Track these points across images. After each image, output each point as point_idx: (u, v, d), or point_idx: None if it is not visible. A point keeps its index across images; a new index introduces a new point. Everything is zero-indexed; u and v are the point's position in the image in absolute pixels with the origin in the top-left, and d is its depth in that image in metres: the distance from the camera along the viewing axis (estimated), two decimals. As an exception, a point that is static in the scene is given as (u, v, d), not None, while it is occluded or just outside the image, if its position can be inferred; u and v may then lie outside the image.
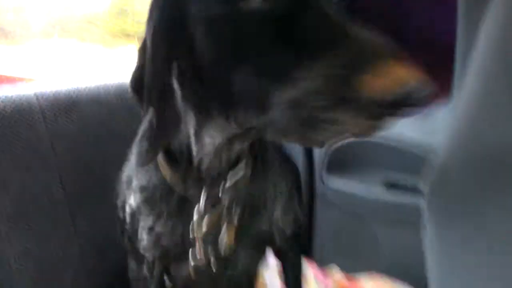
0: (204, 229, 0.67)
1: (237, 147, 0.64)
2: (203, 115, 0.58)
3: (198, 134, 0.61)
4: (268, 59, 0.45)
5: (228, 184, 0.67)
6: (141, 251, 0.75)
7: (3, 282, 0.83)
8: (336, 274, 1.19)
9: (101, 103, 0.94)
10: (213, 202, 0.67)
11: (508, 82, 0.54)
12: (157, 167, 0.68)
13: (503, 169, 0.54)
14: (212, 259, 0.71)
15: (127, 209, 0.74)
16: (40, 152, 0.86)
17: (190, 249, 0.70)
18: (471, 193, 0.57)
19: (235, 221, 0.70)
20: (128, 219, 0.75)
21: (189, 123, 0.60)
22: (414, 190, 1.10)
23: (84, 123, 0.92)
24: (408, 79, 0.41)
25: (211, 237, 0.69)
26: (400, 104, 0.41)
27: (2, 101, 0.83)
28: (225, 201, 0.68)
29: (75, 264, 0.94)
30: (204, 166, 0.64)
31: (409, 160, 1.11)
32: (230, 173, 0.66)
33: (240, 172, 0.67)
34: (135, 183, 0.72)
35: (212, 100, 0.53)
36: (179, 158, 0.65)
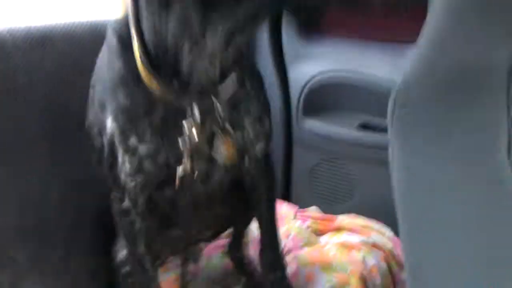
0: (195, 140, 0.67)
1: (230, 53, 0.63)
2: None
3: (193, 37, 0.59)
4: None
5: (221, 94, 0.67)
6: (123, 179, 0.73)
7: None
8: (314, 212, 1.23)
9: (75, 40, 0.94)
10: (204, 113, 0.67)
11: (471, 4, 0.56)
12: (136, 82, 0.65)
13: (463, 85, 0.56)
14: (196, 173, 0.71)
15: (105, 135, 0.71)
16: (17, 86, 0.85)
17: (179, 163, 0.69)
18: (433, 110, 0.59)
19: (230, 131, 0.70)
20: (106, 146, 0.72)
21: (180, 25, 0.59)
22: (387, 131, 1.14)
23: (59, 60, 0.91)
24: None
25: (200, 149, 0.69)
26: None
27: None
28: (218, 111, 0.67)
29: (56, 204, 0.95)
30: (198, 74, 0.64)
31: (382, 101, 1.14)
32: (221, 84, 0.67)
33: (230, 82, 0.68)
34: (113, 104, 0.69)
35: None
36: (164, 68, 0.64)
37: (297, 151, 1.31)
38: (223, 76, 0.67)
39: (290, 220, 1.18)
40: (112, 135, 0.70)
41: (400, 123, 0.61)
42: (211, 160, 0.72)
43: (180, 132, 0.67)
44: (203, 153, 0.70)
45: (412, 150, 0.61)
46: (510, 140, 0.52)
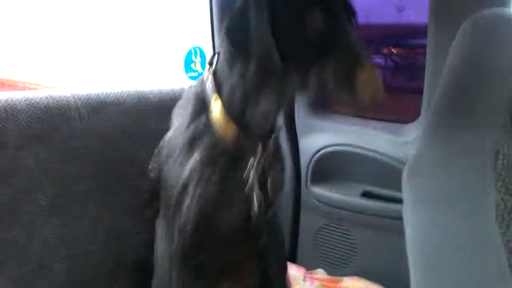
0: (259, 171, 0.85)
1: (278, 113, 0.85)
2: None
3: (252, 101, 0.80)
4: None
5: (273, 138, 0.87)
6: (181, 222, 0.85)
7: (44, 262, 0.96)
8: (321, 275, 1.32)
9: (125, 107, 1.07)
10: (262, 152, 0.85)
11: (461, 106, 0.74)
12: (208, 127, 0.83)
13: (460, 164, 0.71)
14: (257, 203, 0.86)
15: (184, 176, 0.83)
16: (74, 146, 0.97)
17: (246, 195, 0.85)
18: (437, 180, 0.73)
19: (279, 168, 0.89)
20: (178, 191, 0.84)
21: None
22: (387, 198, 1.27)
23: (109, 126, 1.04)
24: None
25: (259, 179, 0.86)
26: None
27: (46, 98, 0.95)
28: (271, 151, 0.86)
29: (100, 248, 1.05)
30: (255, 125, 0.82)
31: (382, 173, 1.28)
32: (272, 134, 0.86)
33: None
34: (191, 154, 0.83)
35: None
36: (234, 120, 0.82)
37: (304, 214, 1.42)
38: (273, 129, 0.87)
39: (299, 281, 1.27)
40: (188, 179, 0.83)
41: (412, 189, 0.74)
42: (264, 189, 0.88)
43: (237, 176, 0.84)
44: (261, 183, 0.87)
45: (422, 211, 0.74)
46: (497, 206, 0.66)
